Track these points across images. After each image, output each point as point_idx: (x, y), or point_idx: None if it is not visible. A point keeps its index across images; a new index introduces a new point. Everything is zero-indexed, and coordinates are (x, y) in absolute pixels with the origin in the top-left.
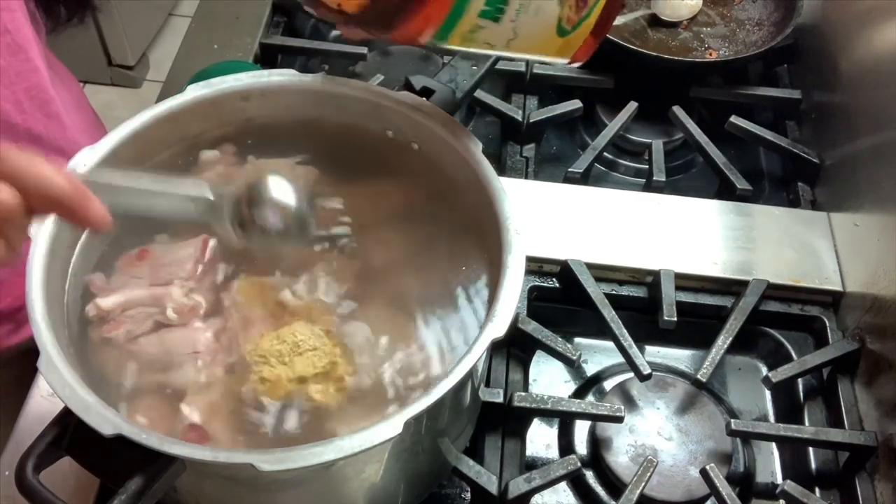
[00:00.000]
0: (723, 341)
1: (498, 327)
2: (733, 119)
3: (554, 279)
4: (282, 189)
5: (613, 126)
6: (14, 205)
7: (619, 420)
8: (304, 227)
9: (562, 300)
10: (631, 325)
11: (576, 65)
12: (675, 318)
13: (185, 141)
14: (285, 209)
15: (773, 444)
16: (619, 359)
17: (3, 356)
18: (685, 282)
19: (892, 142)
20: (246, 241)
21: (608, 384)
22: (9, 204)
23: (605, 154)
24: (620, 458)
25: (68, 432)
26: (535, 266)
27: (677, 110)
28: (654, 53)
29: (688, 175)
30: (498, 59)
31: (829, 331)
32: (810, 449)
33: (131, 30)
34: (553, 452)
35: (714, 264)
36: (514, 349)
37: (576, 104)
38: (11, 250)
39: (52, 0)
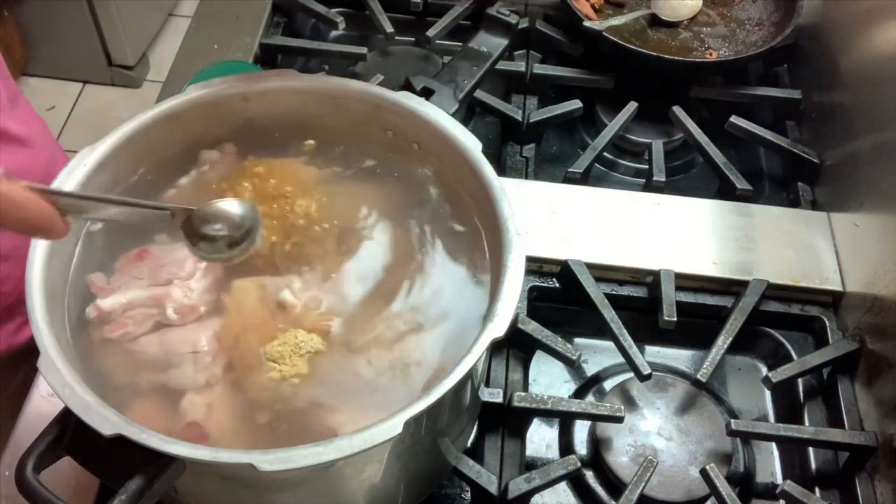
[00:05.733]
0: (723, 341)
1: (498, 327)
2: (733, 119)
3: (554, 279)
4: (227, 204)
5: (613, 126)
6: None
7: (619, 420)
8: (247, 235)
9: (562, 300)
10: (631, 325)
11: None
12: (675, 318)
13: (185, 141)
14: (229, 217)
15: (773, 444)
16: (619, 359)
17: (7, 356)
18: (685, 282)
19: (892, 142)
20: (199, 253)
21: (608, 384)
22: None
23: (605, 154)
24: (620, 458)
25: (68, 432)
26: (535, 266)
27: (677, 110)
28: (654, 53)
29: (688, 175)
30: (498, 58)
31: (829, 331)
32: (810, 449)
33: (131, 30)
34: (553, 452)
35: (714, 264)
36: (514, 349)
37: (576, 104)
38: None
39: None
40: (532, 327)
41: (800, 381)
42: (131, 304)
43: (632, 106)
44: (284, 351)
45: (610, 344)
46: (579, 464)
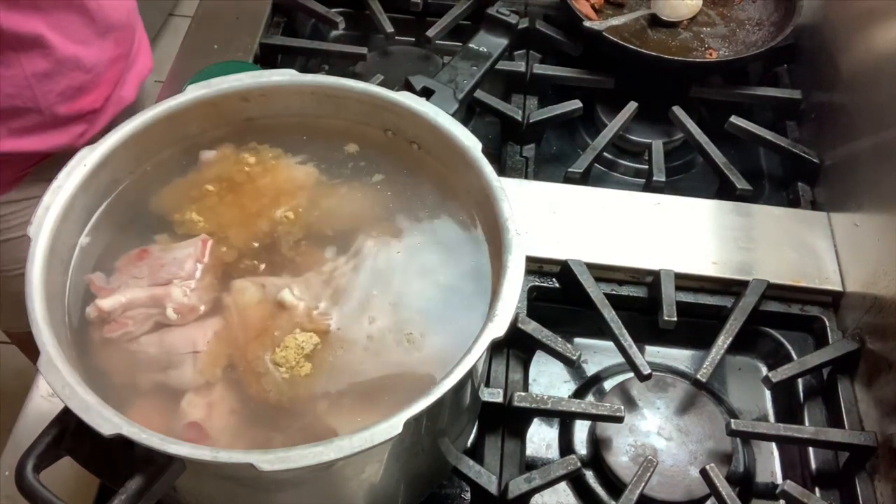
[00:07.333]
0: (723, 341)
1: (498, 327)
2: (733, 119)
3: (554, 279)
4: None
5: (613, 126)
6: None
7: (619, 420)
8: None
9: (562, 300)
10: (631, 325)
11: None
12: (675, 318)
13: (185, 141)
14: None
15: (773, 444)
16: (619, 359)
17: None
18: (685, 282)
19: (892, 142)
20: None
21: (608, 384)
22: None
23: (605, 154)
24: (620, 458)
25: (68, 432)
26: (535, 266)
27: (677, 110)
28: (654, 53)
29: (688, 175)
30: (498, 58)
31: (829, 331)
32: (810, 449)
33: None
34: (553, 452)
35: (714, 264)
36: (514, 349)
37: (576, 104)
38: None
39: None
40: (532, 327)
41: (800, 381)
42: (131, 304)
43: (632, 106)
44: (289, 355)
45: (610, 344)
46: (579, 464)
